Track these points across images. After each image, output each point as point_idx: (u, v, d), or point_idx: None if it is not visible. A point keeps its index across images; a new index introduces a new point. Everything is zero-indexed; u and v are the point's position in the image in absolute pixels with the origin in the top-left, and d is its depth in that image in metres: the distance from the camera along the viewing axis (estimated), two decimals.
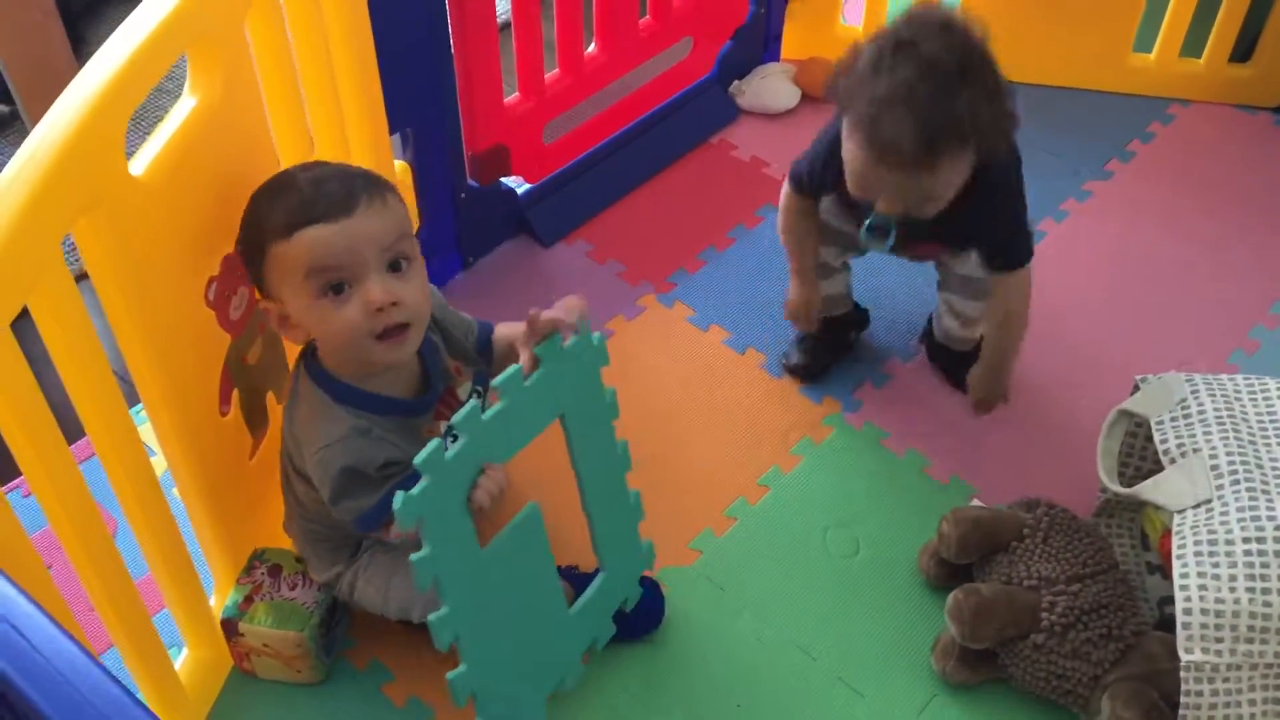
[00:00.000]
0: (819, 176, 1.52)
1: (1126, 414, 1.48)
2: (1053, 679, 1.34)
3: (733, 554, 1.55)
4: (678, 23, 2.02)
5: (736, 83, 2.19)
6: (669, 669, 1.44)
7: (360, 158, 1.54)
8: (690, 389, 1.75)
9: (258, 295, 1.27)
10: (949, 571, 1.48)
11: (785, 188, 1.59)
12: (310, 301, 1.19)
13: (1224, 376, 1.47)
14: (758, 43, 2.20)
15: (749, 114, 2.19)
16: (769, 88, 2.18)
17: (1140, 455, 1.52)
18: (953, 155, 1.33)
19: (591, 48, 1.92)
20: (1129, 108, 2.22)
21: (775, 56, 2.25)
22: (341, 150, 1.49)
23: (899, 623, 1.48)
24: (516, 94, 1.84)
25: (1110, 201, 2.04)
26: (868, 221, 1.44)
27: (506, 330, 1.41)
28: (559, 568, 1.34)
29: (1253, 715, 1.23)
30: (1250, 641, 1.23)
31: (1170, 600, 1.42)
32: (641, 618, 1.45)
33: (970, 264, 1.57)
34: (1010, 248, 1.51)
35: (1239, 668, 1.22)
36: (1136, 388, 1.50)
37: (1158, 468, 1.44)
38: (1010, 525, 1.43)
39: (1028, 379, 1.74)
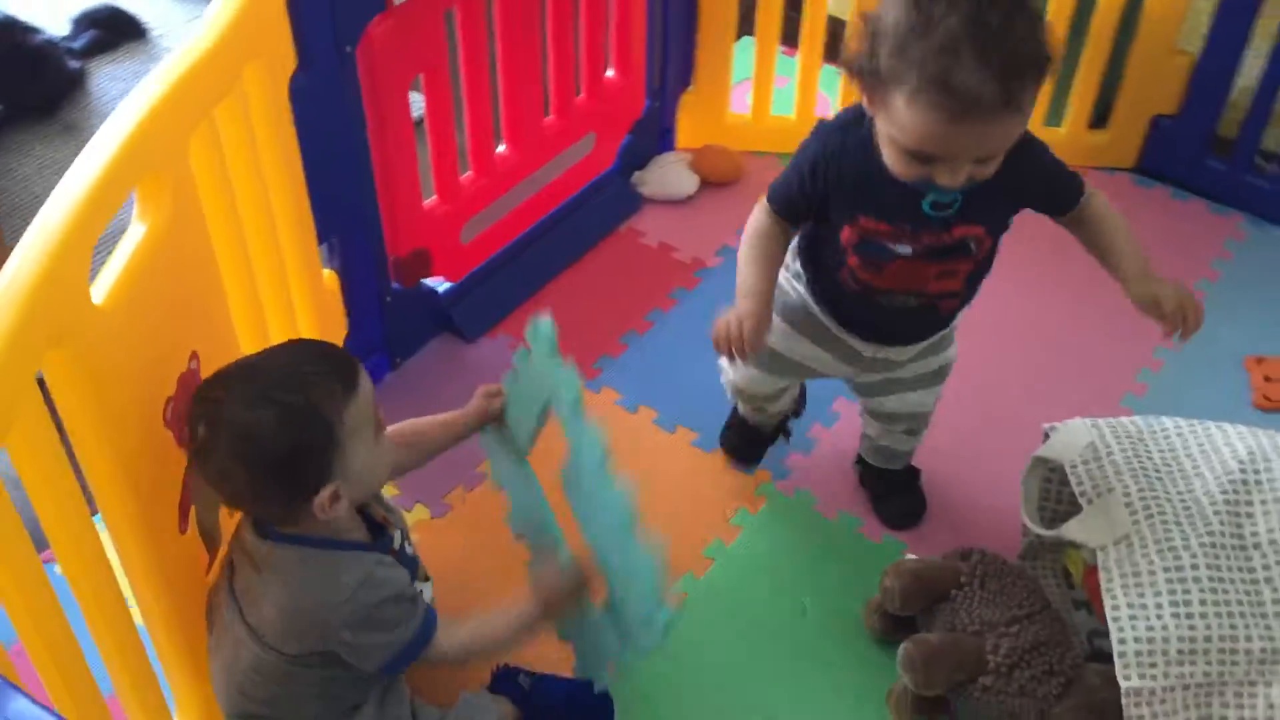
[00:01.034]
0: (807, 190, 1.37)
1: (1041, 461, 1.58)
2: (1003, 717, 1.42)
3: (684, 626, 1.60)
4: (580, 120, 2.10)
5: (638, 173, 2.28)
6: None
7: (294, 269, 1.58)
8: (627, 470, 1.79)
9: (322, 496, 1.22)
10: (893, 624, 1.56)
11: (759, 209, 1.43)
12: (373, 443, 1.27)
13: (1125, 419, 1.58)
14: (654, 134, 2.30)
15: (652, 202, 2.28)
16: (669, 176, 2.28)
17: (1056, 499, 1.62)
18: (1033, 87, 1.20)
19: (501, 148, 1.99)
20: None
21: (670, 146, 2.35)
22: (277, 263, 1.53)
23: (852, 678, 1.55)
24: (434, 197, 1.89)
25: (997, 265, 2.16)
26: (928, 199, 1.30)
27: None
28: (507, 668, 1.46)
29: None
30: (1180, 664, 1.32)
31: (1098, 633, 1.51)
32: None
33: (897, 400, 1.60)
34: (1066, 178, 1.42)
35: (1173, 690, 1.32)
36: (1047, 436, 1.60)
37: (1074, 509, 1.54)
38: (948, 575, 1.51)
39: (944, 439, 1.84)
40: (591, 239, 2.18)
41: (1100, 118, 2.37)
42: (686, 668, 1.56)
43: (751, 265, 1.40)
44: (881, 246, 1.36)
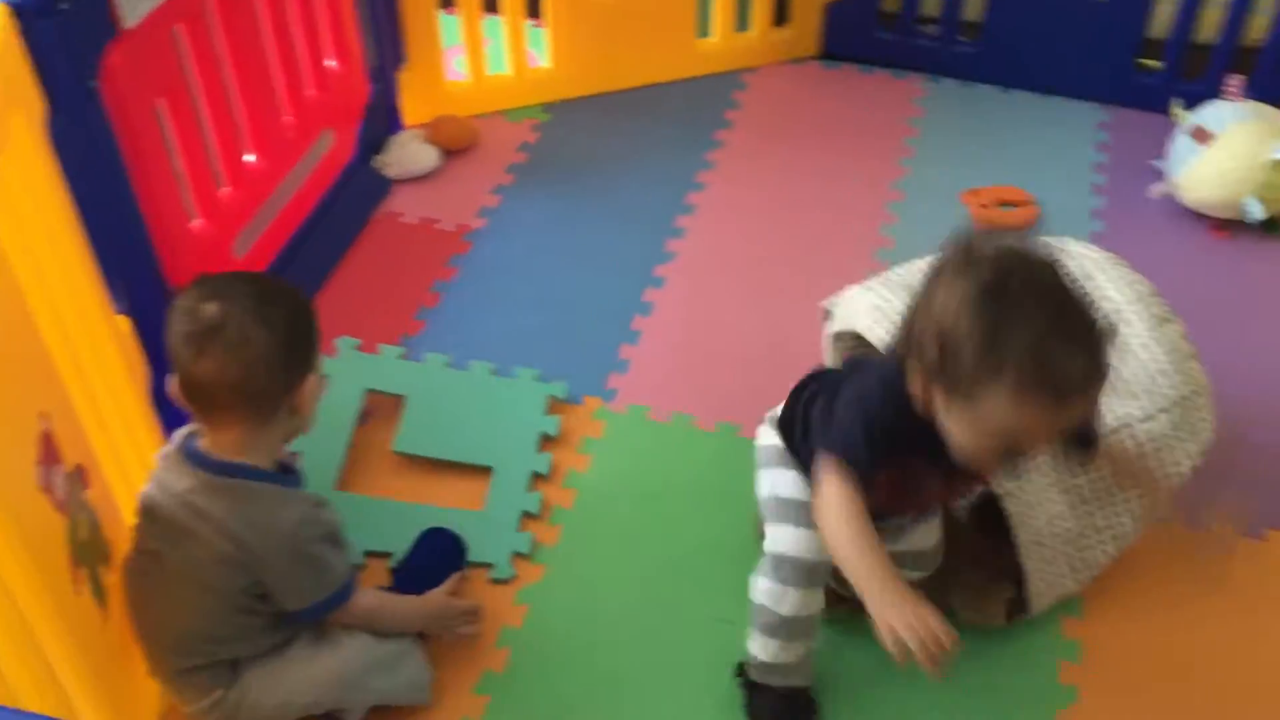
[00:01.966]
0: (887, 436, 1.27)
1: (838, 336, 1.71)
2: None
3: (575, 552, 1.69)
4: (315, 116, 2.10)
5: (378, 157, 2.30)
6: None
7: (93, 318, 1.53)
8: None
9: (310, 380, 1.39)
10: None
11: (836, 480, 1.26)
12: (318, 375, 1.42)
13: (888, 273, 1.73)
14: (384, 117, 2.33)
15: (400, 182, 2.31)
16: (409, 154, 2.32)
17: None
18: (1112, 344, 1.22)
19: (250, 157, 1.97)
20: (711, 86, 2.56)
21: (400, 125, 2.38)
22: (81, 314, 1.48)
23: None
24: (199, 219, 1.86)
25: (733, 163, 2.36)
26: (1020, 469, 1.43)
27: None
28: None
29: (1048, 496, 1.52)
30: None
31: None
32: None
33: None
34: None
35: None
36: (829, 314, 1.73)
37: None
38: None
39: (729, 340, 1.98)
40: (354, 230, 2.20)
41: (781, 15, 2.59)
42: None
43: (868, 551, 1.24)
44: (913, 474, 1.34)
